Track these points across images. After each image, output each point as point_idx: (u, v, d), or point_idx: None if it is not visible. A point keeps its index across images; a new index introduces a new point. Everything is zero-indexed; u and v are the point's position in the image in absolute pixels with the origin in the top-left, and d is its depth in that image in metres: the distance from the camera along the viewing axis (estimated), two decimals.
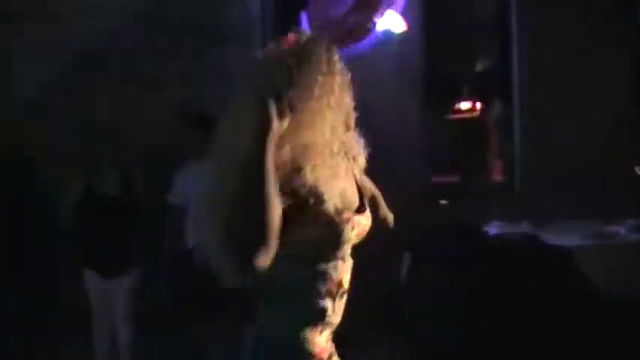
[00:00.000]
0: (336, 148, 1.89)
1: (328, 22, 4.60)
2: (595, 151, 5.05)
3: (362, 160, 2.07)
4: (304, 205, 1.82)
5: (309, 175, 1.82)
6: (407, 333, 4.37)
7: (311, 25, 4.70)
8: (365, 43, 4.24)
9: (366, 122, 1.97)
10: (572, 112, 5.09)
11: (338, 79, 1.90)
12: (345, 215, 1.89)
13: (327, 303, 1.92)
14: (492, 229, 4.68)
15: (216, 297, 3.90)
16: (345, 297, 1.98)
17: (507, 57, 5.27)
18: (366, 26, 3.49)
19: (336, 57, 1.91)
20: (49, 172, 4.85)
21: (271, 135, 1.69)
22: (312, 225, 1.84)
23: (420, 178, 5.09)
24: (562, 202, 4.82)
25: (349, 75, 1.95)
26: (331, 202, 1.85)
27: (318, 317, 1.92)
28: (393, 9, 3.76)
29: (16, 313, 4.71)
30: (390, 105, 4.80)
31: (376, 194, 2.26)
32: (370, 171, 2.13)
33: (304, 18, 4.68)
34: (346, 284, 1.97)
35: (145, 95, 4.84)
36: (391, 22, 4.51)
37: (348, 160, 2.03)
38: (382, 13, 3.55)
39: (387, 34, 4.57)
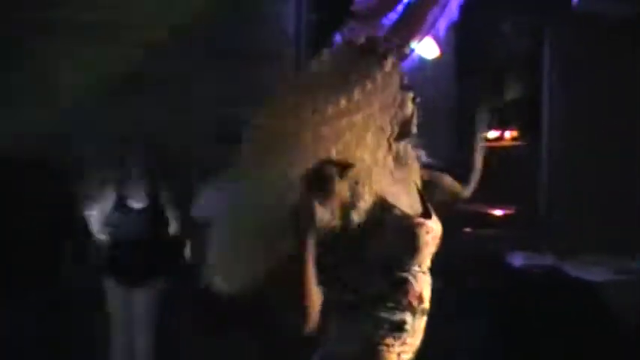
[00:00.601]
0: (383, 156, 1.83)
1: None
2: (623, 185, 5.01)
3: (415, 167, 2.03)
4: (373, 217, 1.76)
5: (371, 187, 1.76)
6: None
7: None
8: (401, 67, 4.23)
9: None
10: (601, 145, 5.07)
11: (379, 78, 1.80)
12: (417, 220, 1.84)
13: (407, 316, 1.82)
14: (516, 260, 4.64)
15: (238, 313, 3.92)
16: (424, 318, 1.88)
17: (538, 88, 5.27)
18: (403, 50, 3.47)
19: (376, 57, 1.83)
20: (77, 181, 4.87)
21: (313, 230, 1.62)
22: (386, 235, 1.78)
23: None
24: (588, 235, 4.78)
25: (403, 76, 1.89)
26: (399, 208, 1.81)
27: (396, 330, 1.81)
28: (432, 35, 3.71)
29: (35, 319, 4.72)
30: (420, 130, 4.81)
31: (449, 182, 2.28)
32: None
33: (338, 39, 4.69)
34: (427, 301, 1.87)
35: (179, 112, 4.88)
36: (424, 47, 4.49)
37: (403, 166, 1.98)
38: (421, 39, 3.51)
39: (420, 60, 4.57)
